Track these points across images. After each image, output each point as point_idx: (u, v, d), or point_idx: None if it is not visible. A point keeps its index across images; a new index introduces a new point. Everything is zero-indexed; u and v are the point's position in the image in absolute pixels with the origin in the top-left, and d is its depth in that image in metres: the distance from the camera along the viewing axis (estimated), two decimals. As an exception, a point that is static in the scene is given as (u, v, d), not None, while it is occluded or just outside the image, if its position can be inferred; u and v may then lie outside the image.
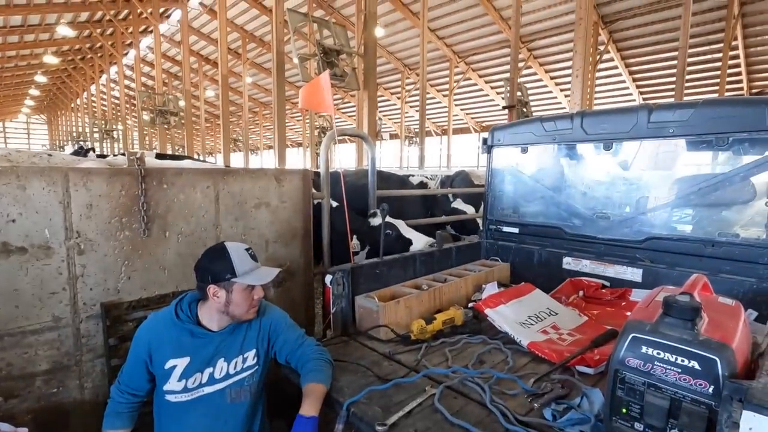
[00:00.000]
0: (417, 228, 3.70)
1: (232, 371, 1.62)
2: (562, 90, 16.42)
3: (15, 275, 1.75)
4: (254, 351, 1.67)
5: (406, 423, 1.38)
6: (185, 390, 1.56)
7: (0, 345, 1.75)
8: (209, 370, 1.59)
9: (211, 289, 1.53)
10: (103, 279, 1.96)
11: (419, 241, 3.33)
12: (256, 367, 1.68)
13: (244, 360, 1.65)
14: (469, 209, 5.19)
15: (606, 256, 2.51)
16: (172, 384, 1.55)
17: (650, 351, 1.13)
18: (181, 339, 1.56)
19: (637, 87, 15.50)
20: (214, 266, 1.54)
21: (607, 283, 2.48)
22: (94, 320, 1.95)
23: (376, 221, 3.31)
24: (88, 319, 1.94)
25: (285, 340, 1.72)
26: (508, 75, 10.15)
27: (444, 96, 19.75)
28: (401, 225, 3.58)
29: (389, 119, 25.09)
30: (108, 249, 1.96)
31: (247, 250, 1.60)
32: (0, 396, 1.76)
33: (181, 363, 1.55)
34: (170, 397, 1.56)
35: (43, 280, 1.81)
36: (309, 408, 1.47)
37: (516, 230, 2.97)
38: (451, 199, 5.57)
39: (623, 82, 15.34)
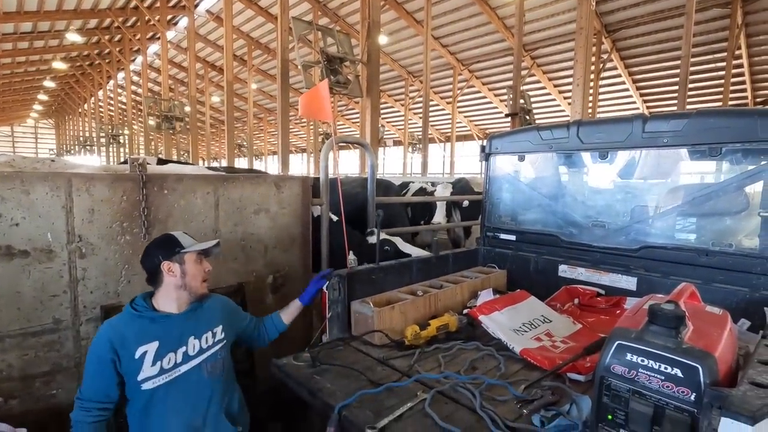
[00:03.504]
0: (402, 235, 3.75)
1: (204, 346, 1.71)
2: (565, 98, 16.46)
3: (17, 278, 1.80)
4: (221, 326, 1.79)
5: (396, 427, 1.40)
6: (162, 372, 1.60)
7: (1, 346, 1.78)
8: (182, 349, 1.65)
9: (165, 265, 1.63)
10: (104, 282, 2.00)
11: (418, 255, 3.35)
12: (225, 341, 1.79)
13: (214, 335, 1.75)
14: (446, 192, 5.26)
15: (601, 264, 2.52)
16: (147, 370, 1.57)
17: (635, 358, 1.14)
18: (143, 328, 1.61)
19: (641, 96, 15.51)
20: (163, 247, 1.68)
21: (602, 291, 2.49)
22: (94, 323, 1.98)
23: (373, 239, 3.33)
24: (88, 322, 1.98)
25: (242, 317, 1.96)
26: (511, 83, 10.21)
27: (447, 103, 19.85)
28: (399, 241, 3.60)
29: (393, 126, 25.20)
30: (109, 253, 2.00)
31: (185, 233, 1.77)
32: (0, 397, 1.79)
33: (150, 347, 1.59)
34: (147, 385, 1.57)
35: (44, 282, 1.86)
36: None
37: (513, 237, 2.98)
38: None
39: (627, 90, 15.36)
